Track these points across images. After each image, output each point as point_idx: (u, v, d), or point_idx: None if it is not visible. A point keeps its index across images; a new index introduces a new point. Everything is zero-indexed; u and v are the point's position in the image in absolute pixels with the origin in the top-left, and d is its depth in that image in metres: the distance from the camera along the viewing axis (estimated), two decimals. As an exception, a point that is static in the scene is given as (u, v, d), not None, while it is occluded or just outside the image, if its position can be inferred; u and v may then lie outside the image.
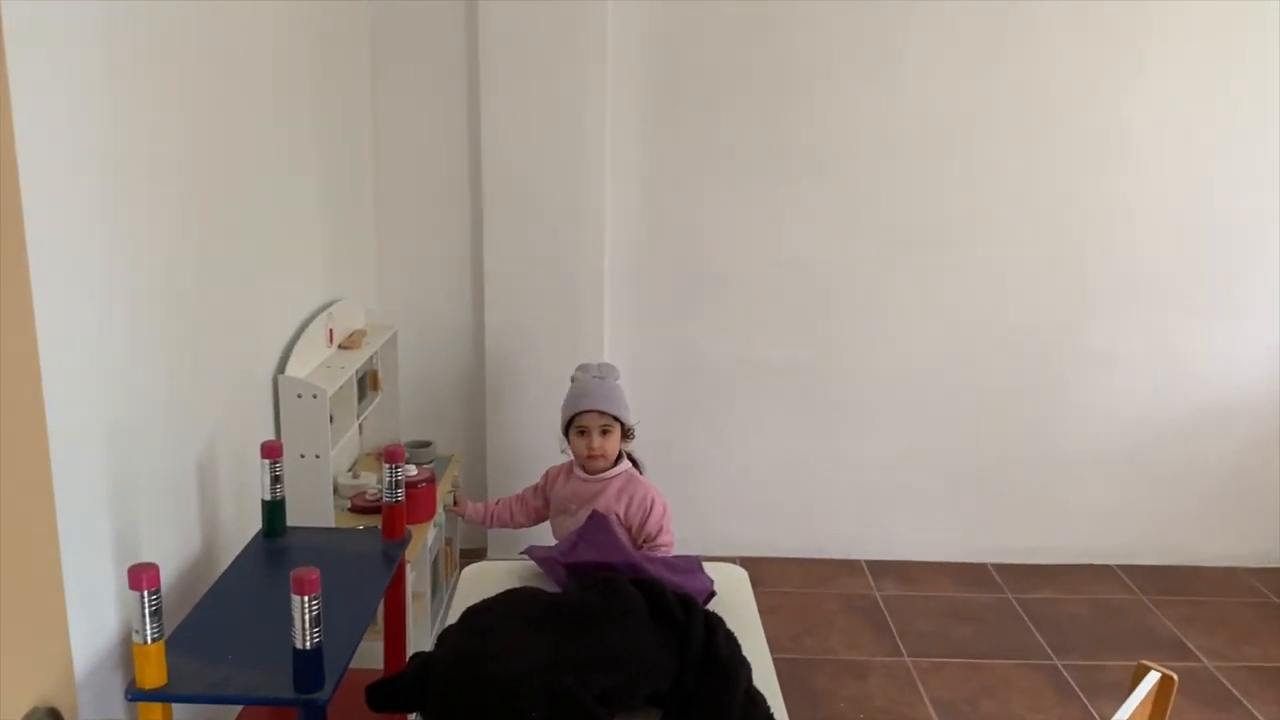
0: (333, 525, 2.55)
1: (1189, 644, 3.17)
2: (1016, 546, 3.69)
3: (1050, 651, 3.10)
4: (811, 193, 3.42)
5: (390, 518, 2.05)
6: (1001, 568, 3.64)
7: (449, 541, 3.26)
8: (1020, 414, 3.60)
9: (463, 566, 2.26)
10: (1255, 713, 2.81)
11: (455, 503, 2.88)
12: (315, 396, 2.45)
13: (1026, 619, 3.30)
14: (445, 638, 1.65)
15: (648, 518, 2.47)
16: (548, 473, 2.68)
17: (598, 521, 2.07)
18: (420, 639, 2.73)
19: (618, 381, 2.59)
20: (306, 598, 1.45)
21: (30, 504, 0.73)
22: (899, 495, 3.67)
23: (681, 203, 3.44)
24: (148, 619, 1.44)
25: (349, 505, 2.82)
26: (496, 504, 2.76)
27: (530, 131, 3.27)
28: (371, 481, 2.94)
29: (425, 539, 2.77)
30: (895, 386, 3.58)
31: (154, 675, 1.49)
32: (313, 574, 1.45)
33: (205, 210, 2.04)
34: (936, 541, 3.70)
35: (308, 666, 1.48)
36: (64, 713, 0.77)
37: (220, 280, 2.13)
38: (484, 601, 1.72)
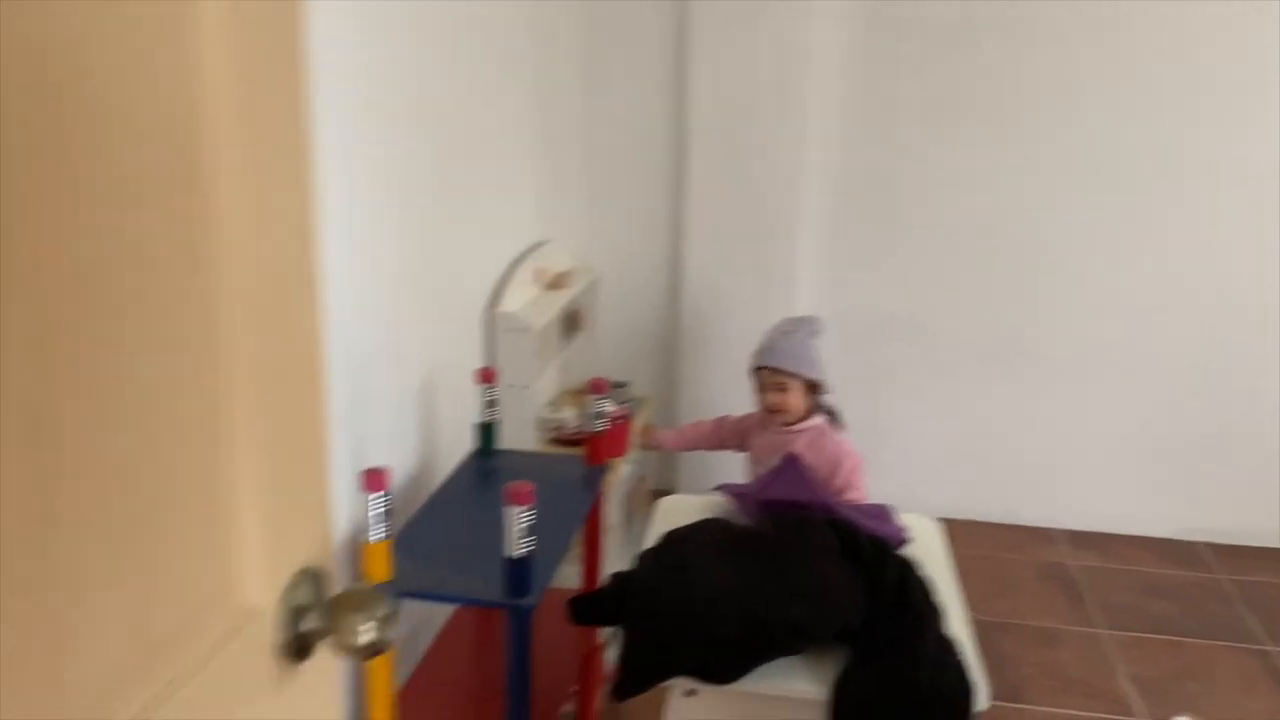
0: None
1: None
2: (1234, 527, 3.46)
3: (1266, 637, 2.92)
4: (1024, 144, 3.28)
5: (593, 446, 2.14)
6: (1216, 548, 3.43)
7: (641, 479, 3.37)
8: (1243, 384, 3.35)
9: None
10: None
11: (647, 441, 2.90)
12: (525, 330, 2.57)
13: (1239, 602, 3.11)
14: (645, 559, 1.73)
15: (835, 472, 2.44)
16: (751, 415, 2.67)
17: (792, 462, 2.10)
18: (612, 569, 2.84)
19: (810, 337, 2.52)
20: (520, 509, 1.55)
21: (304, 397, 0.82)
22: (1103, 464, 3.51)
23: (887, 154, 3.37)
24: (377, 519, 1.58)
25: (547, 438, 2.96)
26: (694, 426, 2.77)
27: (736, 82, 3.27)
28: (570, 416, 3.06)
29: (620, 473, 2.87)
30: (1104, 350, 3.41)
31: (380, 571, 1.63)
32: (526, 487, 1.55)
33: (433, 156, 2.17)
34: (1142, 516, 3.52)
35: (518, 573, 1.59)
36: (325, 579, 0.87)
37: (445, 220, 2.27)
38: (683, 528, 1.78)
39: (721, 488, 2.15)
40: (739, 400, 2.81)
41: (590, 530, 2.22)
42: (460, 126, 2.35)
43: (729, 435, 2.72)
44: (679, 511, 2.09)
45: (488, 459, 2.15)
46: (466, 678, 2.05)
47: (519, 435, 2.63)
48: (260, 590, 0.77)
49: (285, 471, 0.81)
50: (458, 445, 2.30)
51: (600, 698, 2.26)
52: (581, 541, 2.28)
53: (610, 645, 1.72)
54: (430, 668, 2.05)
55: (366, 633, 0.78)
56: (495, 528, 1.61)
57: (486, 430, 2.15)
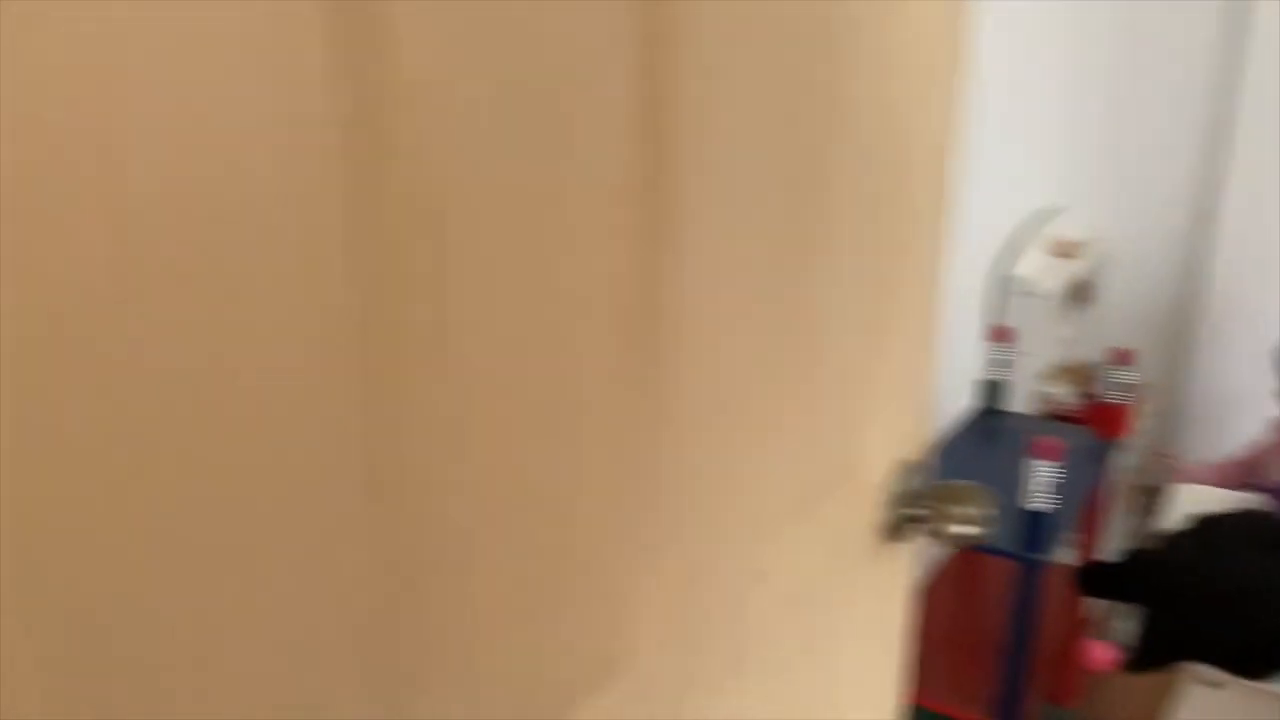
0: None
1: None
2: None
3: None
4: None
5: (1105, 417, 2.06)
6: None
7: (1139, 470, 3.15)
8: None
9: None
10: None
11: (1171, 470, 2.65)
12: (1036, 295, 2.51)
13: None
14: (1174, 539, 1.63)
15: None
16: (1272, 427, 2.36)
17: (1353, 464, 1.86)
18: (1105, 552, 2.71)
19: None
20: (1046, 463, 1.55)
21: (922, 316, 0.91)
22: None
23: None
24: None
25: (1040, 410, 2.86)
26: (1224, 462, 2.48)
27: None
28: (1066, 392, 2.93)
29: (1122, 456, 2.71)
30: None
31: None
32: (1055, 443, 1.54)
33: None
34: None
35: (1038, 527, 1.59)
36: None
37: (964, 175, 2.28)
38: (1219, 514, 1.66)
39: (1255, 485, 1.97)
40: (1260, 404, 2.50)
41: (1092, 506, 2.14)
42: (992, 93, 2.33)
43: (1253, 465, 2.39)
44: (1202, 501, 1.94)
45: (993, 417, 2.15)
46: (956, 627, 2.08)
47: (1018, 400, 2.58)
48: (875, 471, 0.87)
49: (901, 379, 0.90)
50: (952, 399, 2.31)
51: (1080, 673, 2.19)
52: (1080, 516, 2.20)
53: (1114, 620, 1.67)
54: (923, 610, 2.11)
55: (965, 523, 0.85)
56: (1003, 482, 1.62)
57: (994, 388, 2.14)
